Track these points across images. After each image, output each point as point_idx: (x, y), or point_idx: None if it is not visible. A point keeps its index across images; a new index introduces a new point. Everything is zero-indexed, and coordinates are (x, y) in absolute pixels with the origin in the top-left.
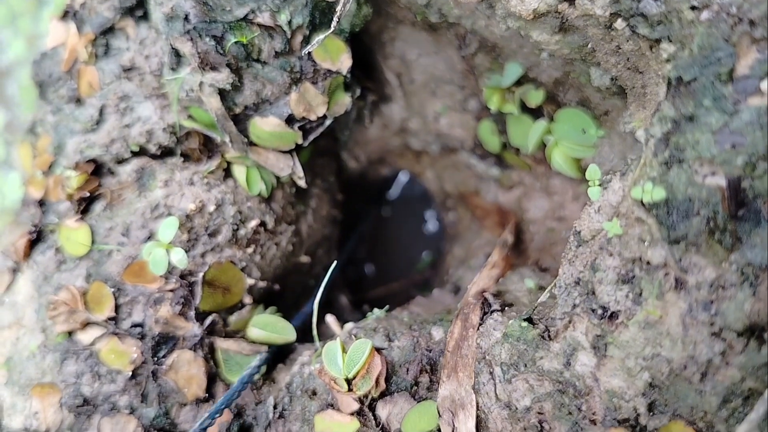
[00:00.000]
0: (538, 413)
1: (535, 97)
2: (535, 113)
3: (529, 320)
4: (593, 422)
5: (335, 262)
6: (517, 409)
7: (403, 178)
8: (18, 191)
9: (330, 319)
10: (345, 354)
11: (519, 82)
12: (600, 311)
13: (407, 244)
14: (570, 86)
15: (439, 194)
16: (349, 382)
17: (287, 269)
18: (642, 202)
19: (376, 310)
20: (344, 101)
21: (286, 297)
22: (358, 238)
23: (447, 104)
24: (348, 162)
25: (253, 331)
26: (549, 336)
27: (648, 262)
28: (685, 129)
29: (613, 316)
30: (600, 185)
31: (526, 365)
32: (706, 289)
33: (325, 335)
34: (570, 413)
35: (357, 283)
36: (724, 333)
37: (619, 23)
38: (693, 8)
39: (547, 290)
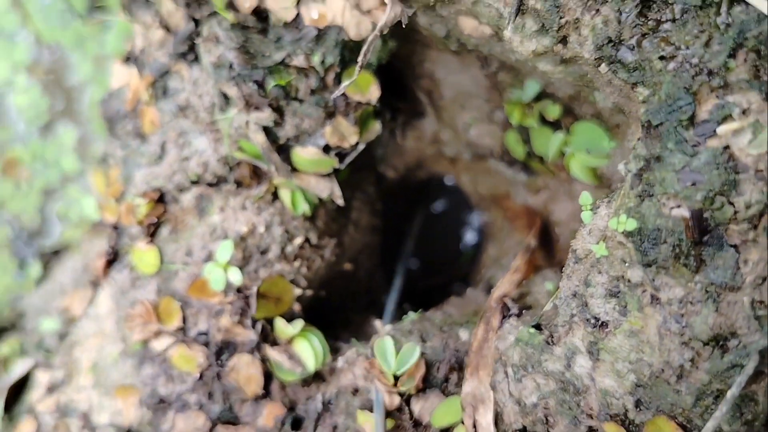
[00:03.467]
0: (544, 408)
1: (553, 111)
2: (555, 125)
3: (537, 327)
4: (590, 416)
5: (398, 279)
6: (526, 404)
7: (447, 180)
8: (95, 215)
9: (377, 323)
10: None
11: (538, 98)
12: (593, 321)
13: (453, 240)
14: (584, 101)
15: (474, 196)
16: (395, 378)
17: (332, 277)
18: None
19: (411, 313)
20: (375, 128)
21: (332, 300)
22: (409, 246)
23: (475, 116)
24: (386, 172)
25: (298, 347)
26: (552, 341)
27: (629, 280)
28: (654, 167)
29: (604, 325)
30: (591, 210)
31: (533, 366)
32: (676, 304)
33: (367, 334)
34: (570, 408)
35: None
36: (692, 342)
37: (603, 67)
38: (661, 58)
39: (550, 301)
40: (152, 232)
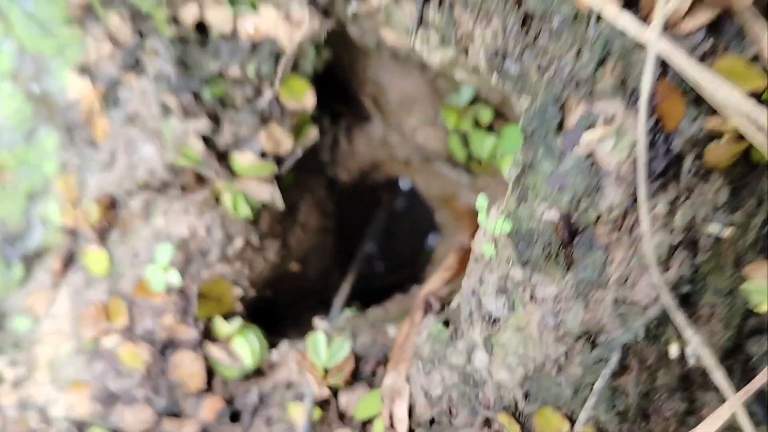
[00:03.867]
0: (448, 400)
1: (485, 116)
2: (490, 128)
3: (446, 323)
4: (487, 407)
5: (348, 278)
6: (432, 396)
7: (403, 182)
8: (58, 219)
9: (315, 320)
10: (329, 347)
11: (473, 102)
12: (487, 317)
13: (416, 239)
14: (510, 106)
15: (428, 196)
16: (326, 371)
17: (278, 277)
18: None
19: (347, 310)
20: (312, 134)
21: (281, 299)
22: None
23: (421, 120)
24: (339, 174)
25: (236, 345)
26: (456, 336)
27: (513, 279)
28: (528, 173)
29: (496, 321)
30: (486, 212)
31: (440, 360)
32: (551, 302)
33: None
34: (470, 400)
35: (366, 276)
36: (565, 338)
37: (494, 77)
38: (539, 69)
39: (455, 299)
40: (104, 235)
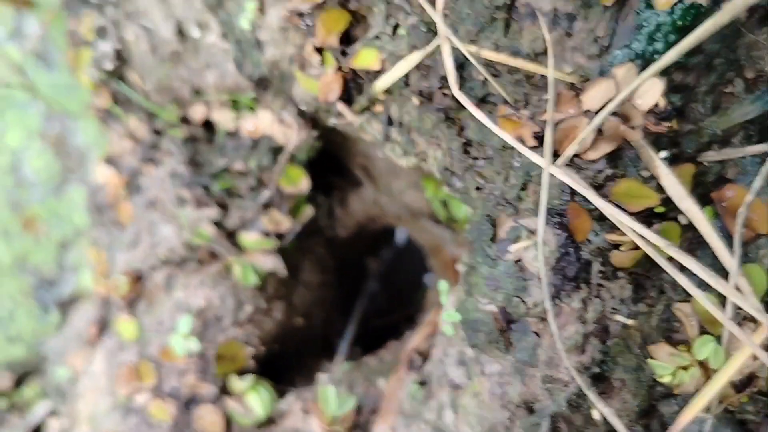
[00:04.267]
0: None
1: None
2: None
3: (422, 383)
4: None
5: (350, 327)
6: None
7: (399, 231)
8: (91, 285)
9: (319, 375)
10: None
11: None
12: (451, 383)
13: (415, 279)
14: None
15: (420, 244)
16: (332, 419)
17: (284, 332)
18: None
19: (345, 363)
20: (307, 212)
21: (286, 350)
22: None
23: (406, 184)
24: (338, 232)
25: (249, 398)
26: (429, 396)
27: (467, 355)
28: (471, 273)
29: (458, 386)
30: (445, 296)
31: (417, 416)
32: (496, 376)
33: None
34: None
35: (368, 314)
36: (509, 405)
37: (445, 187)
38: (477, 188)
39: (427, 364)
40: (132, 305)
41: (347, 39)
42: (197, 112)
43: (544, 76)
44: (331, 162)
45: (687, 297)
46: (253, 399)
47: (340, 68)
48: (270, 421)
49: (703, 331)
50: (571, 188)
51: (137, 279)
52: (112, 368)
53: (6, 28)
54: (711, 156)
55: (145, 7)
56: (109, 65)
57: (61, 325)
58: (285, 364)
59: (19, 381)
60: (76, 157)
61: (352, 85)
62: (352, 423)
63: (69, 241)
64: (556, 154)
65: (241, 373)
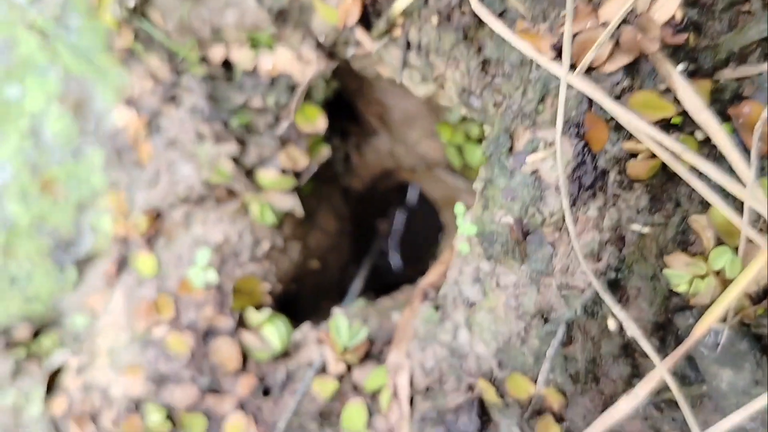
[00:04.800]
0: (439, 370)
1: (474, 131)
2: (480, 141)
3: (437, 307)
4: (469, 375)
5: (361, 272)
6: (426, 368)
7: (412, 187)
8: (110, 229)
9: (335, 309)
10: (349, 330)
11: (464, 119)
12: (466, 301)
13: (431, 236)
14: None
15: (433, 199)
16: (344, 350)
17: (300, 274)
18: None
19: (359, 300)
20: (324, 152)
21: (304, 292)
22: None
23: (421, 133)
24: (352, 183)
25: (266, 331)
26: (444, 318)
27: (483, 270)
28: (488, 187)
29: (473, 304)
30: (463, 217)
31: (432, 338)
32: (511, 288)
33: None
34: (456, 370)
35: (384, 271)
36: (524, 316)
37: (463, 109)
38: (494, 104)
39: (443, 287)
40: (151, 242)
41: None
42: (217, 53)
43: None
44: (348, 109)
45: (704, 209)
46: (270, 332)
47: None
48: (285, 354)
49: (719, 243)
50: (588, 99)
51: (156, 217)
52: (131, 304)
53: None
54: (728, 74)
55: None
56: (132, 3)
57: (78, 283)
58: (301, 307)
59: (37, 333)
60: (94, 120)
61: (371, 10)
62: (364, 353)
63: (86, 202)
64: (573, 67)
65: (258, 308)
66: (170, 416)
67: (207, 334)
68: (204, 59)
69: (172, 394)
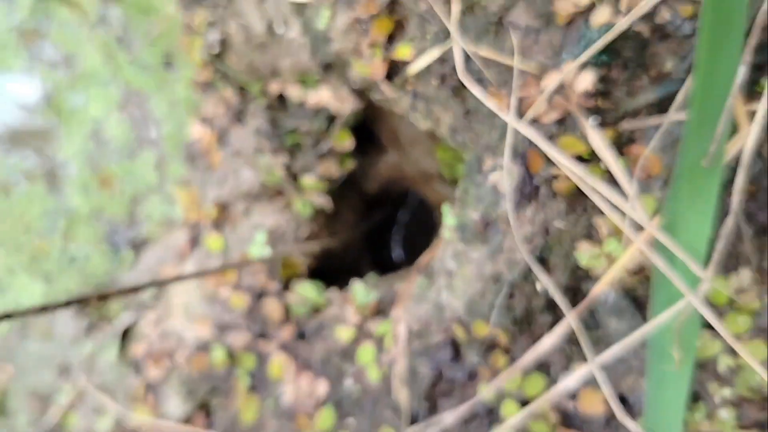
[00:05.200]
0: (427, 322)
1: (461, 154)
2: None
3: (427, 277)
4: (447, 321)
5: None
6: (420, 318)
7: (413, 193)
8: (180, 217)
9: (354, 280)
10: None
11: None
12: (447, 271)
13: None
14: None
15: (430, 202)
16: (361, 307)
17: (327, 255)
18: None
19: (371, 274)
20: (350, 164)
21: (331, 268)
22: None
23: (423, 153)
24: (368, 186)
25: (304, 292)
26: (432, 284)
27: (458, 249)
28: (465, 194)
29: (451, 273)
30: (448, 215)
31: (423, 298)
32: (476, 261)
33: None
34: (438, 318)
35: (387, 261)
36: (483, 280)
37: (451, 141)
38: (471, 140)
39: (431, 264)
40: (219, 227)
41: (391, 38)
42: (274, 88)
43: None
44: (368, 133)
45: (602, 214)
46: (307, 293)
47: (384, 58)
48: (317, 310)
49: (610, 235)
50: (529, 140)
51: (223, 208)
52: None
53: (95, 15)
54: (625, 125)
55: (244, 9)
56: (216, 50)
57: (134, 263)
58: (328, 279)
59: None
60: (148, 127)
61: (392, 71)
62: (376, 309)
63: (141, 196)
64: (522, 116)
65: (298, 277)
66: (230, 354)
67: (260, 295)
68: (265, 92)
69: (231, 338)
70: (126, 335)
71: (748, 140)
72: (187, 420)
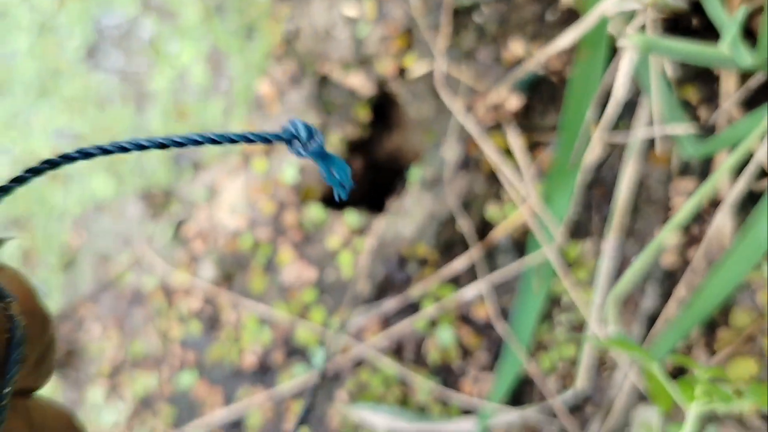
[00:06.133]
0: None
1: None
2: None
3: None
4: None
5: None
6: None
7: None
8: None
9: (349, 209)
10: None
11: None
12: (406, 211)
13: None
14: None
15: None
16: (350, 227)
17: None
18: None
19: (363, 208)
20: (366, 132)
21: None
22: None
23: (416, 134)
24: (376, 154)
25: (311, 209)
26: None
27: (417, 198)
28: (424, 159)
29: (408, 213)
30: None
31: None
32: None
33: None
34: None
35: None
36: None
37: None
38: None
39: None
40: (267, 155)
41: (402, 51)
42: (324, 69)
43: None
44: (383, 114)
45: (505, 187)
46: (316, 211)
47: (396, 63)
48: (321, 223)
49: (509, 201)
50: (470, 133)
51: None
52: (247, 185)
53: None
54: (534, 136)
55: (314, 13)
56: (291, 36)
57: (192, 177)
58: (333, 206)
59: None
60: (223, 80)
61: (400, 72)
62: (359, 230)
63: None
64: (468, 117)
65: (314, 199)
66: (255, 243)
67: (284, 206)
68: (316, 71)
69: (258, 232)
70: (180, 223)
71: (594, 154)
72: (215, 283)
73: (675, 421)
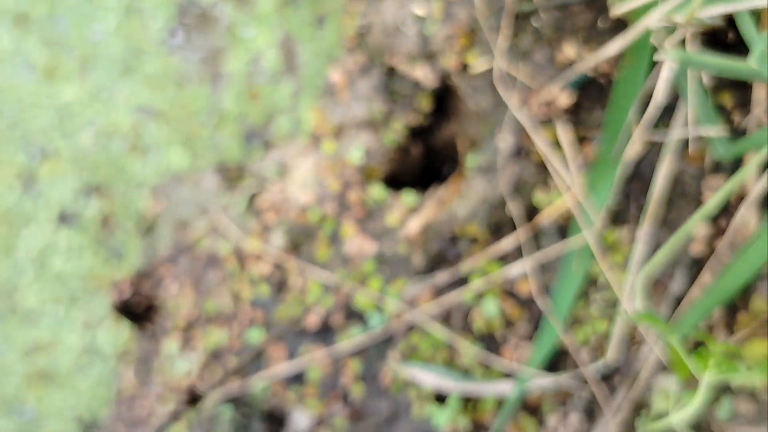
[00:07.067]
0: None
1: None
2: None
3: None
4: None
5: None
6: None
7: None
8: (310, 130)
9: (406, 189)
10: None
11: None
12: (461, 194)
13: None
14: None
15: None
16: (407, 206)
17: (398, 169)
18: None
19: (420, 188)
20: (425, 121)
21: (399, 179)
22: None
23: (472, 124)
24: (433, 141)
25: (374, 188)
26: None
27: (471, 183)
28: (480, 147)
29: (463, 195)
30: None
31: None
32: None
33: None
34: None
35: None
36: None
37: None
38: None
39: None
40: (337, 137)
41: (465, 49)
42: (391, 61)
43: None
44: (443, 105)
45: (552, 176)
46: (377, 190)
47: (459, 59)
48: (381, 202)
49: (554, 189)
50: (523, 126)
51: (339, 128)
52: (317, 164)
53: None
54: (581, 131)
55: (385, 11)
56: (363, 30)
57: (262, 157)
58: (394, 185)
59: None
60: (294, 66)
61: (462, 68)
62: (415, 209)
63: (277, 113)
64: (522, 111)
65: (376, 179)
66: (322, 216)
67: (349, 185)
68: (384, 63)
69: (325, 207)
70: (254, 196)
71: (634, 150)
72: (284, 251)
73: (691, 389)
